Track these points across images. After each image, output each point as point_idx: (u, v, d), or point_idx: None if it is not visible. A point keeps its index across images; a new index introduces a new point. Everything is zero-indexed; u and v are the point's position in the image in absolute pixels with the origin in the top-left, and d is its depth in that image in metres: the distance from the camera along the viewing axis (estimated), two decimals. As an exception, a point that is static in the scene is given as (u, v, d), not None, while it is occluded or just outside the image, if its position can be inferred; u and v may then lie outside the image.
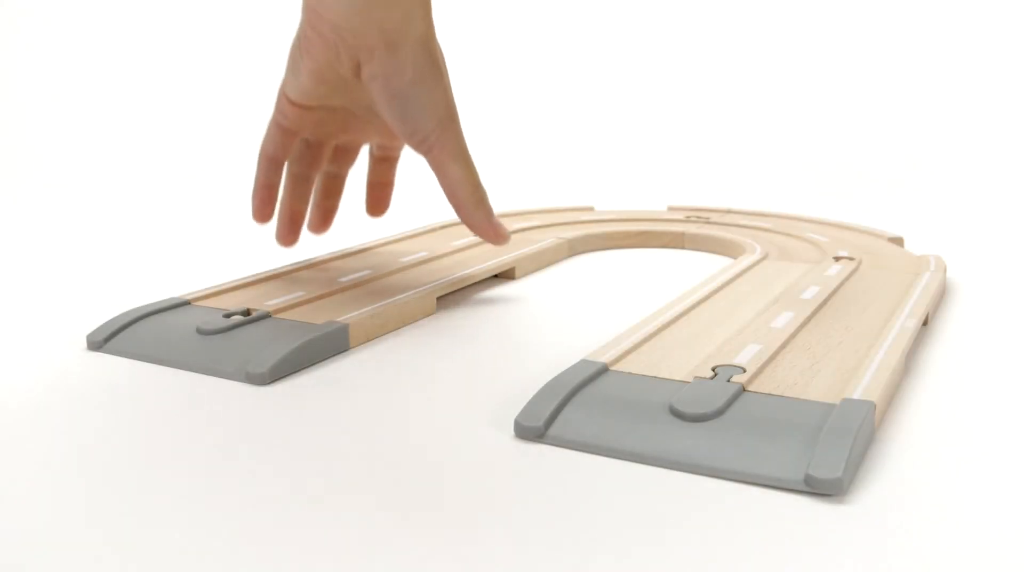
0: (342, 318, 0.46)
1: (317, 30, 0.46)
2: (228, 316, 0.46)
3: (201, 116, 1.17)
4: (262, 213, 0.54)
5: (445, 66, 0.49)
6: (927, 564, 0.25)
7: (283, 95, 0.50)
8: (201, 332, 0.44)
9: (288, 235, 0.55)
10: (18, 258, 0.69)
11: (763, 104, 1.10)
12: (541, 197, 0.91)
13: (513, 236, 0.68)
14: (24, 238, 0.77)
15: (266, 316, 0.47)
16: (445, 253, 0.61)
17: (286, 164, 0.53)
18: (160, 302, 0.49)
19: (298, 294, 0.50)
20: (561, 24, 1.24)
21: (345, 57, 0.46)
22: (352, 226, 0.68)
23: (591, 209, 0.80)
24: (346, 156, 0.56)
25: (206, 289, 0.51)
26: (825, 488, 0.29)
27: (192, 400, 0.38)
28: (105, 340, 0.45)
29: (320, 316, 0.46)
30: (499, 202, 0.84)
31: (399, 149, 0.58)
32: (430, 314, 0.51)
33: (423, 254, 0.60)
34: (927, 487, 0.30)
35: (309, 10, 0.46)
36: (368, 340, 0.46)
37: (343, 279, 0.54)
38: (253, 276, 0.54)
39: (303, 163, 0.54)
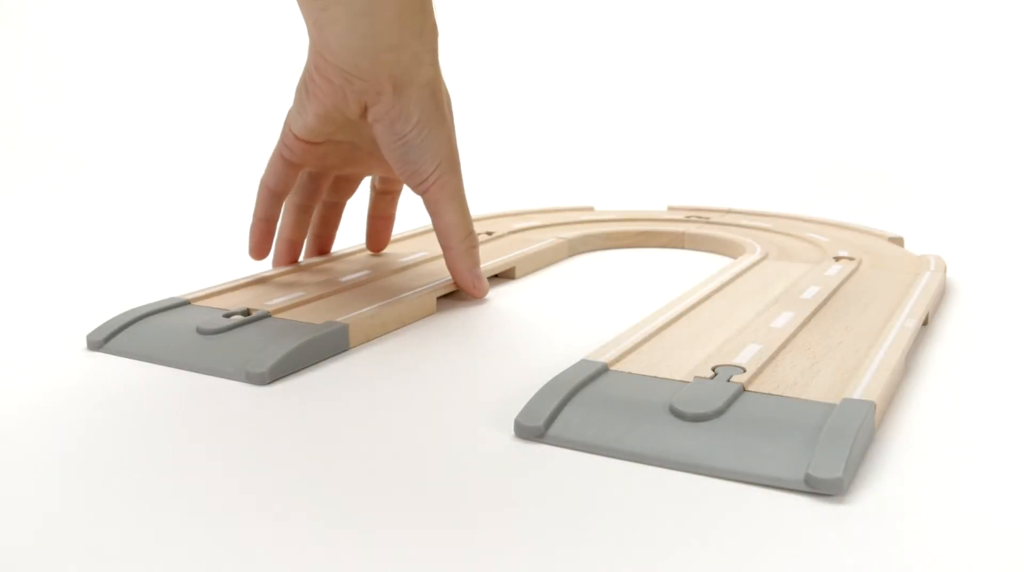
0: (342, 318, 0.45)
1: (324, 75, 0.46)
2: (228, 316, 0.46)
3: (201, 117, 1.17)
4: (259, 250, 0.54)
5: (451, 109, 0.50)
6: (927, 564, 0.25)
7: (288, 130, 0.50)
8: (201, 332, 0.44)
9: (285, 263, 0.56)
10: (18, 258, 0.69)
11: (763, 104, 1.10)
12: (541, 197, 0.91)
13: (513, 236, 0.68)
14: (24, 238, 0.77)
15: (266, 316, 0.47)
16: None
17: (288, 195, 0.54)
18: (160, 302, 0.49)
19: (298, 294, 0.50)
20: (561, 24, 1.24)
21: (352, 100, 0.46)
22: (351, 228, 0.68)
23: (591, 209, 0.80)
24: (347, 186, 0.57)
25: (206, 289, 0.51)
26: (825, 488, 0.29)
27: (192, 400, 0.38)
28: (105, 340, 0.45)
29: (320, 316, 0.46)
30: (499, 202, 0.84)
31: (401, 184, 0.58)
32: (430, 314, 0.51)
33: (423, 254, 0.60)
34: (927, 487, 0.30)
35: (315, 54, 0.46)
36: (368, 340, 0.46)
37: (343, 279, 0.54)
38: (253, 276, 0.54)
39: (304, 194, 0.54)
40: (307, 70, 0.47)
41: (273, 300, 0.49)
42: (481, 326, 0.49)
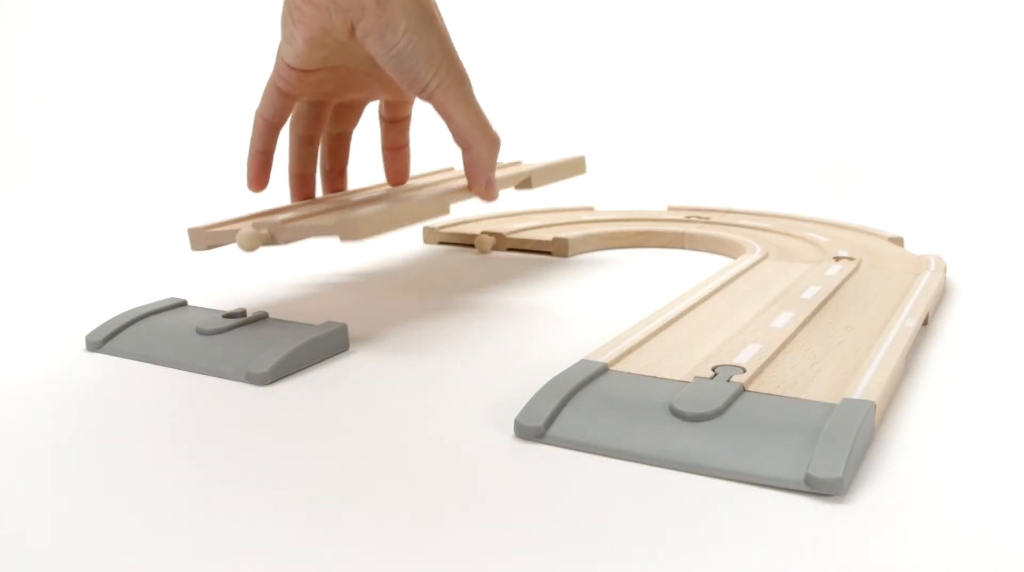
0: (353, 214, 0.44)
1: (304, 3, 0.46)
2: (228, 316, 0.46)
3: (200, 117, 1.17)
4: (259, 181, 0.53)
5: (438, 12, 0.49)
6: (927, 564, 0.25)
7: (281, 61, 0.50)
8: (201, 332, 0.44)
9: (300, 198, 0.55)
10: (18, 258, 0.69)
11: (763, 104, 1.10)
12: (541, 197, 0.91)
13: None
14: (24, 238, 0.77)
15: (264, 316, 0.47)
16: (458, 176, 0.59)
17: (290, 128, 0.53)
18: (159, 302, 0.49)
19: (307, 210, 0.49)
20: (561, 24, 1.24)
21: (338, 19, 0.46)
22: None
23: (591, 209, 0.80)
24: (350, 115, 0.56)
25: (214, 222, 0.50)
26: (825, 488, 0.29)
27: (192, 400, 0.38)
28: (104, 340, 0.45)
29: (330, 221, 0.45)
30: (500, 202, 0.84)
31: (408, 106, 0.57)
32: (444, 214, 0.49)
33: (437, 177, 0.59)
34: (927, 487, 0.30)
35: None
36: (379, 233, 0.45)
37: (356, 198, 0.52)
38: (262, 210, 0.52)
39: (306, 124, 0.54)
40: (285, 2, 0.47)
41: (283, 215, 0.47)
42: (481, 325, 0.49)
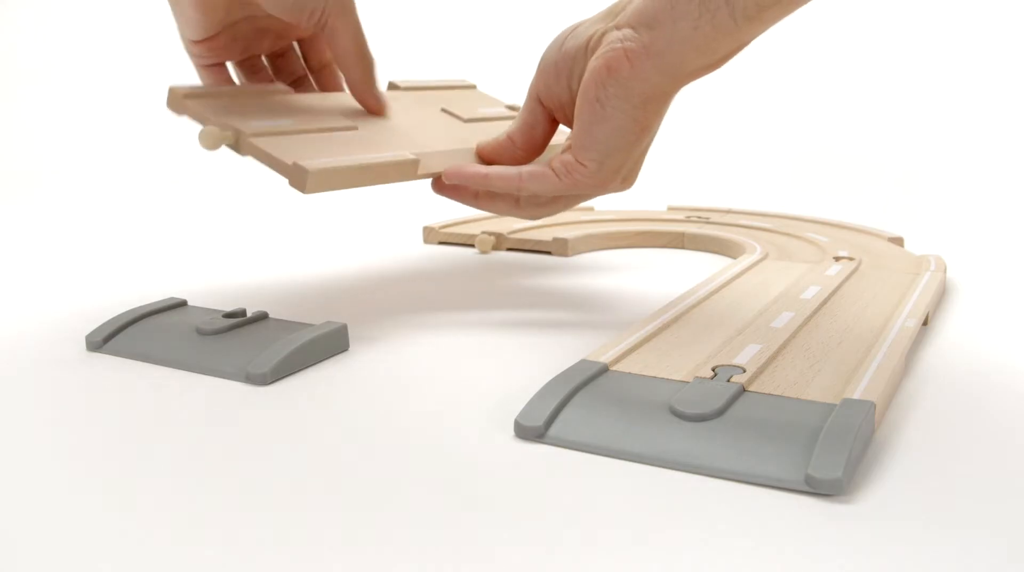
0: (309, 163, 0.43)
1: None
2: (228, 316, 0.46)
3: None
4: None
5: None
6: (927, 564, 0.25)
7: (185, 41, 0.50)
8: (201, 332, 0.44)
9: None
10: (18, 258, 0.69)
11: (763, 104, 1.10)
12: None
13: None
14: (24, 238, 0.77)
15: (264, 316, 0.46)
16: (467, 117, 0.56)
17: (237, 78, 0.53)
18: (159, 302, 0.49)
19: (284, 122, 0.47)
20: (561, 23, 1.24)
21: None
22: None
23: (591, 209, 0.80)
24: (281, 62, 0.55)
25: (200, 87, 0.49)
26: (825, 488, 0.29)
27: (192, 400, 0.38)
28: (104, 340, 0.45)
29: (289, 158, 0.43)
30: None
31: (324, 51, 0.56)
32: (408, 180, 0.48)
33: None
34: (927, 487, 0.30)
35: None
36: (330, 190, 0.44)
37: (333, 118, 0.50)
38: (251, 88, 0.51)
39: (247, 75, 0.54)
40: None
41: (255, 122, 0.46)
42: (481, 326, 0.49)
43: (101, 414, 0.37)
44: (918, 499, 0.29)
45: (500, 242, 0.70)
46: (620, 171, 0.45)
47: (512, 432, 0.34)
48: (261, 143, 0.43)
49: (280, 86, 0.52)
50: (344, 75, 0.50)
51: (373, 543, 0.27)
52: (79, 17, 1.27)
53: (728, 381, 0.35)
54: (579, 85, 0.44)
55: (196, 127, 0.45)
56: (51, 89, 1.22)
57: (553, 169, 0.45)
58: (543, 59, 0.46)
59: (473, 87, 0.63)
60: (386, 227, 0.72)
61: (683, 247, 0.70)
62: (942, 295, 0.53)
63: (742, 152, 1.05)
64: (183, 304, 0.49)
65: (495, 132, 0.51)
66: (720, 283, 0.51)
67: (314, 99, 0.52)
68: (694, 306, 0.47)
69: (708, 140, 1.09)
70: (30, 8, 1.27)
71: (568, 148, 0.45)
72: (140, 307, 0.48)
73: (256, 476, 0.31)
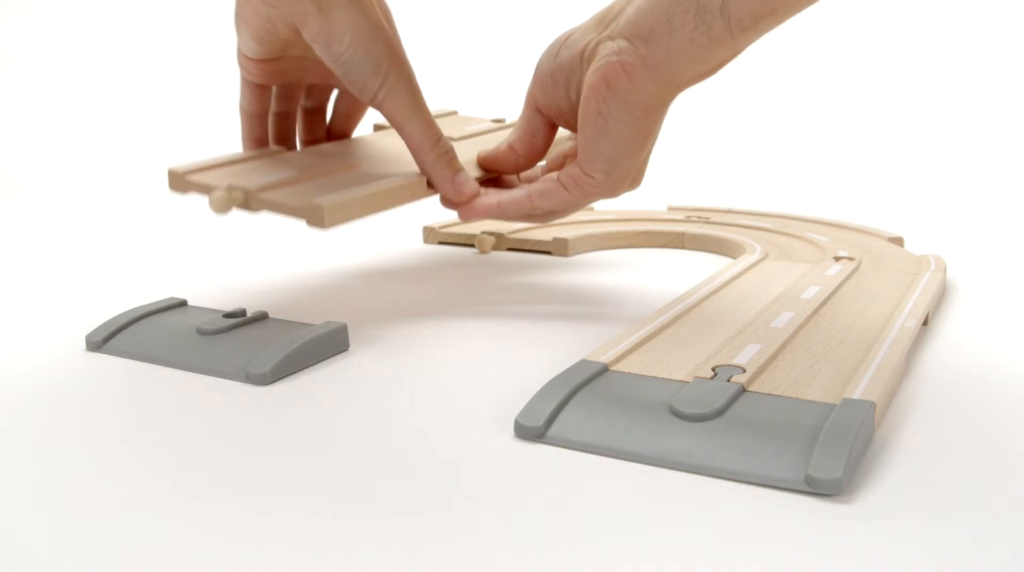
0: (321, 201, 0.43)
1: (250, 7, 0.45)
2: (228, 316, 0.46)
3: (200, 117, 1.17)
4: None
5: (388, 17, 0.49)
6: (927, 564, 0.25)
7: (240, 54, 0.50)
8: (201, 332, 0.44)
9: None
10: (18, 258, 0.69)
11: (763, 104, 1.10)
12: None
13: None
14: (24, 238, 0.77)
15: (264, 316, 0.46)
16: (459, 136, 0.58)
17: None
18: (159, 302, 0.49)
19: (287, 170, 0.48)
20: (561, 23, 1.24)
21: (280, 24, 0.46)
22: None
23: (591, 209, 0.80)
24: (320, 93, 0.56)
25: (197, 162, 0.49)
26: (825, 488, 0.29)
27: (192, 400, 0.38)
28: (104, 340, 0.45)
29: (301, 201, 0.44)
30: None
31: (363, 109, 0.57)
32: (420, 199, 0.49)
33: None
34: (927, 487, 0.30)
35: None
36: (348, 221, 0.45)
37: (333, 163, 0.51)
38: (245, 153, 0.52)
39: (281, 103, 0.54)
40: (236, 2, 0.47)
41: (258, 179, 0.47)
42: (481, 326, 0.49)
43: (101, 414, 0.37)
44: (918, 499, 0.29)
45: (500, 242, 0.70)
46: (627, 177, 0.45)
47: (512, 432, 0.34)
48: (271, 195, 0.44)
49: (275, 147, 0.53)
50: (417, 163, 0.49)
51: (373, 543, 0.27)
52: (83, 16, 1.27)
53: (728, 381, 0.35)
54: (577, 94, 0.44)
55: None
56: (51, 88, 1.22)
57: (562, 184, 0.46)
58: (538, 70, 0.47)
59: (454, 113, 0.65)
60: (386, 227, 0.72)
61: (683, 247, 0.70)
62: (942, 295, 0.53)
63: (742, 152, 1.05)
64: (183, 304, 0.49)
65: (489, 145, 0.52)
66: (720, 283, 0.51)
67: (310, 153, 0.53)
68: (694, 306, 0.47)
69: (708, 140, 1.09)
70: (31, 7, 1.27)
71: (572, 158, 0.45)
72: (140, 307, 0.48)
73: (256, 476, 0.31)
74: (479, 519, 0.28)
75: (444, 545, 0.26)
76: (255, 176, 0.47)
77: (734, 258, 0.65)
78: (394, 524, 0.28)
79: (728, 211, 0.78)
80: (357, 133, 0.59)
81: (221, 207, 0.44)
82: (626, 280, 0.60)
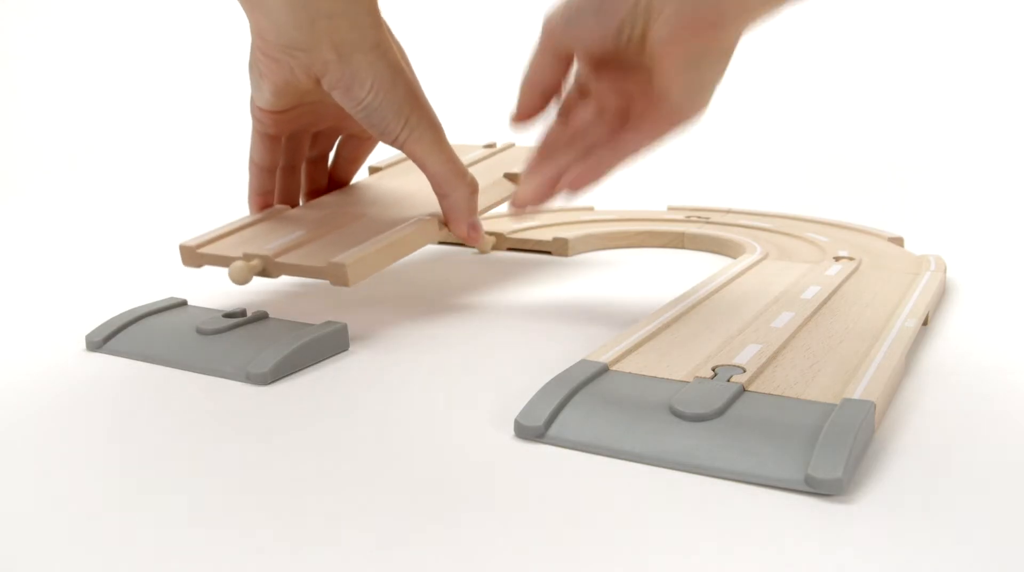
0: (342, 258, 0.44)
1: (267, 53, 0.46)
2: (228, 316, 0.46)
3: (200, 116, 1.17)
4: (262, 208, 0.54)
5: (406, 62, 0.49)
6: (927, 564, 0.25)
7: (255, 106, 0.50)
8: (201, 332, 0.44)
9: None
10: (18, 258, 0.69)
11: (763, 104, 1.10)
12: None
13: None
14: (24, 238, 0.77)
15: (265, 316, 0.47)
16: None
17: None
18: (159, 302, 0.49)
19: (297, 234, 0.49)
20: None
21: (300, 74, 0.46)
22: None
23: (591, 209, 0.80)
24: (326, 141, 0.56)
25: (206, 234, 0.50)
26: (825, 488, 0.29)
27: (192, 400, 0.38)
28: (104, 340, 0.45)
29: (321, 261, 0.45)
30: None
31: (368, 150, 0.58)
32: (434, 241, 0.50)
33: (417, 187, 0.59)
34: (927, 487, 0.30)
35: (255, 35, 0.46)
36: (369, 275, 0.46)
37: (346, 213, 0.52)
38: (250, 218, 0.53)
39: (289, 156, 0.54)
40: (252, 50, 0.47)
41: (271, 243, 0.48)
42: (481, 326, 0.49)
43: (101, 414, 0.37)
44: (918, 499, 0.29)
45: (500, 242, 0.70)
46: (709, 99, 0.44)
47: (512, 432, 0.34)
48: (289, 259, 0.46)
49: (279, 207, 0.54)
50: (439, 200, 0.50)
51: (373, 543, 0.27)
52: (83, 16, 1.27)
53: (728, 381, 0.35)
54: (641, 25, 0.40)
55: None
56: (51, 88, 1.22)
57: (635, 130, 0.43)
58: (574, 7, 0.42)
59: None
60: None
61: (683, 247, 0.70)
62: (942, 295, 0.53)
63: (742, 152, 1.05)
64: (183, 304, 0.49)
65: (487, 173, 0.54)
66: (720, 283, 0.51)
67: (313, 207, 0.54)
68: (694, 306, 0.47)
69: (708, 140, 1.09)
70: (31, 7, 1.27)
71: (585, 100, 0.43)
72: (140, 307, 0.48)
73: (256, 476, 0.31)
74: (479, 519, 0.28)
75: (444, 545, 0.26)
76: (267, 241, 0.48)
77: (734, 258, 0.65)
78: (394, 524, 0.28)
79: (728, 211, 0.78)
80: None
81: (242, 278, 0.45)
82: (626, 280, 0.60)
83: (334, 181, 0.59)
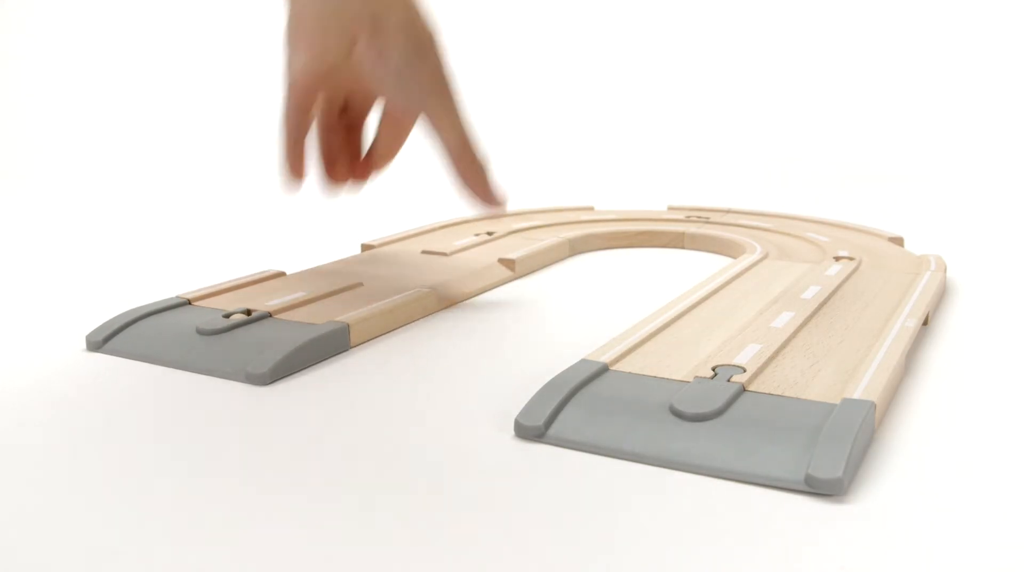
0: (343, 317, 0.46)
1: (302, 24, 0.47)
2: (228, 316, 0.46)
3: (200, 116, 1.17)
4: (297, 170, 0.52)
5: (437, 38, 0.49)
6: (927, 564, 0.25)
7: (290, 72, 0.50)
8: (201, 332, 0.44)
9: (329, 179, 0.54)
10: (18, 258, 0.69)
11: (763, 104, 1.10)
12: (541, 197, 0.91)
13: (514, 236, 0.68)
14: (24, 238, 0.77)
15: (266, 316, 0.46)
16: (449, 251, 0.61)
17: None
18: (160, 302, 0.48)
19: (299, 294, 0.50)
20: (562, 24, 1.24)
21: (334, 44, 0.47)
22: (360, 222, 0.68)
23: (591, 209, 0.80)
24: (360, 109, 0.56)
25: (205, 289, 0.51)
26: (825, 488, 0.29)
27: (192, 400, 0.38)
28: (105, 340, 0.45)
29: (322, 316, 0.46)
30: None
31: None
32: (431, 313, 0.51)
33: (427, 251, 0.61)
34: (927, 487, 0.30)
35: (290, 5, 0.47)
36: (370, 338, 0.46)
37: (344, 280, 0.54)
38: (252, 275, 0.54)
39: (324, 114, 0.54)
40: (287, 22, 0.48)
41: (273, 301, 0.49)
42: (481, 325, 0.49)
43: (101, 414, 0.37)
44: (918, 499, 0.29)
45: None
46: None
47: (512, 432, 0.34)
48: (290, 317, 0.47)
49: (275, 270, 0.55)
50: (451, 170, 0.50)
51: (373, 543, 0.27)
52: (83, 16, 1.27)
53: (728, 381, 0.35)
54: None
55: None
56: (51, 88, 1.22)
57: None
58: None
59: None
60: (386, 227, 0.72)
61: (683, 247, 0.70)
62: (942, 295, 0.53)
63: (742, 152, 1.05)
64: (183, 304, 0.49)
65: (478, 258, 0.56)
66: (720, 283, 0.51)
67: (312, 273, 0.56)
68: (694, 306, 0.47)
69: (708, 140, 1.09)
70: (31, 7, 1.27)
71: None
72: (141, 307, 0.48)
73: (256, 476, 0.31)
74: (479, 519, 0.28)
75: (444, 545, 0.26)
76: (266, 299, 0.49)
77: (734, 258, 0.65)
78: (394, 524, 0.28)
79: (728, 211, 0.78)
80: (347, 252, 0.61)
81: None
82: (626, 280, 0.60)
83: (376, 160, 0.57)
